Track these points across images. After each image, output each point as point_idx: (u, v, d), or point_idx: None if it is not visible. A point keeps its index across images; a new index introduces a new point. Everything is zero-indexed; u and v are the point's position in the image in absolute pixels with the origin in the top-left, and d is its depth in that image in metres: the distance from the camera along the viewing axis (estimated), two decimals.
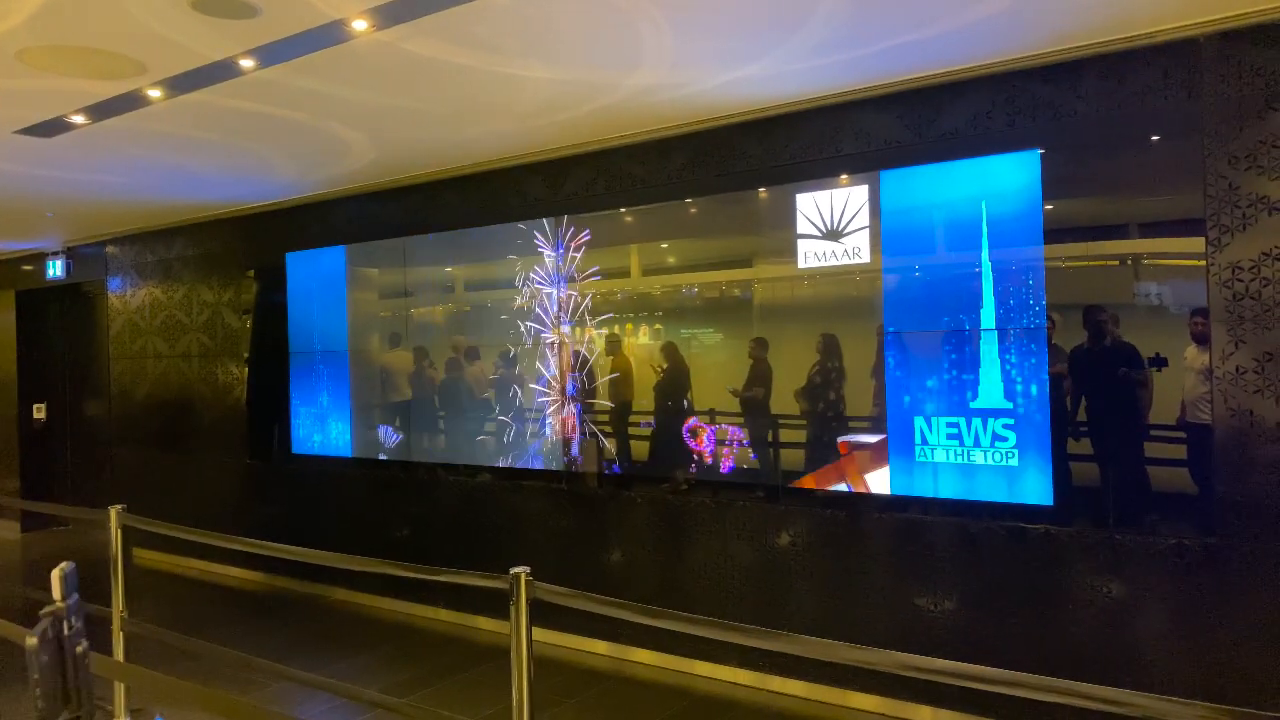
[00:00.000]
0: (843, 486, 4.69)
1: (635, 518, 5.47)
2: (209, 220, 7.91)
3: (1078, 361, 4.10)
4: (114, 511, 4.48)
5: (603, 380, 5.62)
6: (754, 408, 5.03)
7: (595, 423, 5.67)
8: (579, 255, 5.67)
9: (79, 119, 4.70)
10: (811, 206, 4.77)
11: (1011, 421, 4.19)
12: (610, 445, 5.61)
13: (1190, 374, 3.83)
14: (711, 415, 5.19)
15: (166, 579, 7.93)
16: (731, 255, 5.28)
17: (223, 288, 8.01)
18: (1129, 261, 4.03)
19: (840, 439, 4.72)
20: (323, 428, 7.21)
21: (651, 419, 5.45)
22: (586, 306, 5.67)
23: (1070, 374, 4.10)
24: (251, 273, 7.78)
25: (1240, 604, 3.69)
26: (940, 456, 4.38)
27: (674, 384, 5.37)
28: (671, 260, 5.54)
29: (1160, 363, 3.86)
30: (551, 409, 5.85)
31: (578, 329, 5.72)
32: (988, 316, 4.25)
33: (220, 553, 7.69)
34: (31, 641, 1.72)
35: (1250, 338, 3.66)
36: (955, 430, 4.33)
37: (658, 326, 5.46)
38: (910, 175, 4.47)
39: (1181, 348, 3.85)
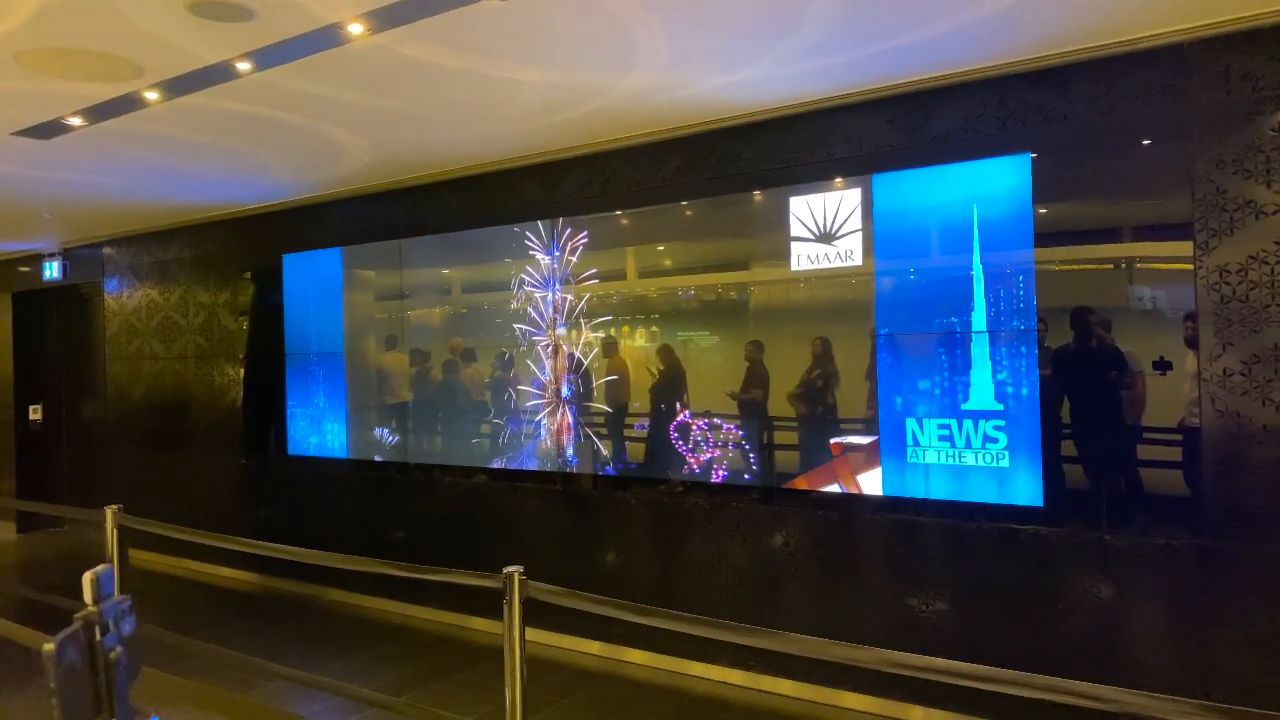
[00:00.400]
0: (836, 487, 4.72)
1: (630, 519, 5.49)
2: (205, 222, 7.93)
3: (1068, 364, 4.12)
4: (110, 512, 4.51)
5: (599, 382, 5.65)
6: (750, 410, 5.06)
7: (591, 425, 5.69)
8: (574, 258, 5.70)
9: (76, 121, 4.72)
10: (805, 209, 4.80)
11: (1002, 423, 4.22)
12: (605, 447, 5.63)
13: (1185, 377, 3.85)
14: (708, 416, 5.21)
15: (162, 579, 7.94)
16: (726, 258, 5.30)
17: (219, 289, 8.02)
18: (1122, 265, 4.06)
19: (833, 440, 4.75)
20: (319, 429, 7.22)
21: (647, 421, 5.48)
22: (582, 309, 5.69)
23: (1061, 376, 4.13)
24: (248, 274, 7.80)
25: (1229, 604, 3.72)
26: (932, 458, 4.41)
27: (670, 386, 5.39)
28: (667, 263, 5.56)
29: (1165, 366, 3.87)
30: (546, 411, 5.87)
31: (573, 331, 5.74)
32: (979, 319, 4.28)
33: (216, 553, 7.69)
34: (49, 648, 1.61)
35: (1238, 340, 3.69)
36: (947, 432, 4.36)
37: (653, 329, 5.49)
38: (902, 179, 4.50)
39: (1176, 351, 3.86)
